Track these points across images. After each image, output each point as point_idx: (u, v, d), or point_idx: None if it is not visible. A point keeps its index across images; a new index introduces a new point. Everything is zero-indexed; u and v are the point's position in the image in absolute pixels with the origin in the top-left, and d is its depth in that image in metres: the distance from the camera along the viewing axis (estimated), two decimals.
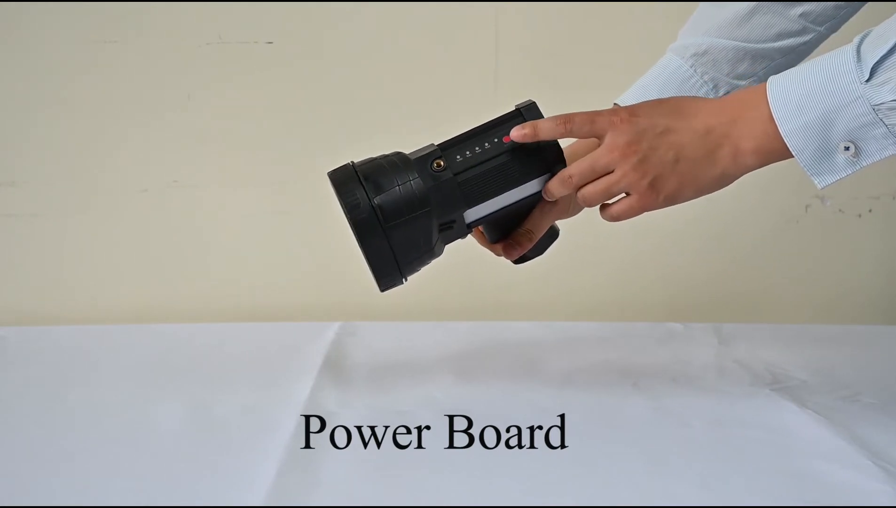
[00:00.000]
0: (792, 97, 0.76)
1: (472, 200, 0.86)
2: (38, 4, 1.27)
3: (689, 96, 0.84)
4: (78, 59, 1.29)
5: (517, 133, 0.84)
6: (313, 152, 1.32)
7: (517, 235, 0.91)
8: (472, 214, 0.87)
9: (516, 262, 0.94)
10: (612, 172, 0.82)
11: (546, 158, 0.86)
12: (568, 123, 0.83)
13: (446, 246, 0.90)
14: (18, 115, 1.30)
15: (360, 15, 1.29)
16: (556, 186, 0.85)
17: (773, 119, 0.77)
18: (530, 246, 0.91)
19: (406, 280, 0.88)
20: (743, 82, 0.93)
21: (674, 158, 0.81)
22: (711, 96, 0.93)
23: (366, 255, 0.85)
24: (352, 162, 0.87)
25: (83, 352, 1.13)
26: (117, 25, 1.28)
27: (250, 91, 1.31)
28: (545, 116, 0.86)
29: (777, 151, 0.78)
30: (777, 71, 0.92)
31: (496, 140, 0.86)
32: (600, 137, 0.83)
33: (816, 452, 0.81)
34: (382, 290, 0.88)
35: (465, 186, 0.85)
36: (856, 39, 0.75)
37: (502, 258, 0.93)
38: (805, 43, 0.93)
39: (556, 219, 0.93)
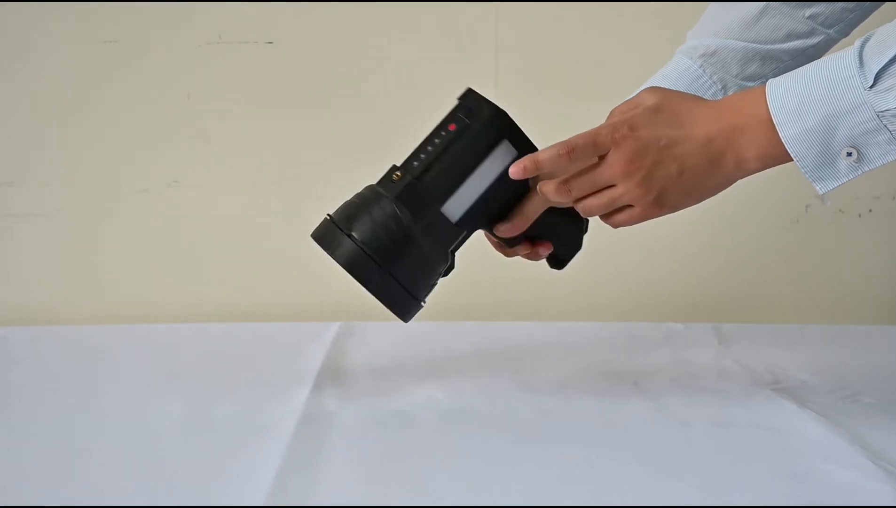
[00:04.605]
0: (792, 102, 0.75)
1: (440, 194, 0.86)
2: (38, 4, 1.27)
3: (687, 99, 0.83)
4: (78, 59, 1.29)
5: (516, 169, 0.84)
6: (313, 152, 1.33)
7: (512, 215, 0.89)
8: (451, 209, 0.86)
9: (555, 266, 0.94)
10: (615, 186, 0.82)
11: (494, 128, 0.86)
12: (571, 152, 0.81)
13: (456, 253, 0.90)
14: (18, 115, 1.30)
15: (359, 15, 1.29)
16: (553, 194, 0.84)
17: (773, 124, 0.76)
18: (524, 225, 0.88)
19: (425, 303, 0.89)
20: (752, 83, 0.93)
21: (677, 171, 0.80)
22: (720, 97, 0.93)
23: (378, 297, 0.86)
24: (328, 215, 0.87)
25: (83, 352, 1.13)
26: (117, 25, 1.28)
27: (250, 91, 1.31)
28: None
29: (779, 156, 0.77)
30: (785, 72, 0.93)
31: (443, 133, 0.86)
32: (604, 155, 0.82)
33: (816, 452, 0.81)
34: (407, 320, 0.89)
35: (427, 184, 0.85)
36: (857, 43, 0.74)
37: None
38: (814, 45, 0.93)
39: (551, 205, 0.90)
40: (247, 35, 1.30)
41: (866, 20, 0.94)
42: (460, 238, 0.89)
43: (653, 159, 0.80)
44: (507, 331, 1.22)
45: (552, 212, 0.89)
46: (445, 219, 0.86)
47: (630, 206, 0.83)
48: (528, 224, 0.89)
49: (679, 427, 0.88)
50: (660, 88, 0.86)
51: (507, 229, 0.89)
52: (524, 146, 0.87)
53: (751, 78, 0.93)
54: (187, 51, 1.29)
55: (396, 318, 0.89)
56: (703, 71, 0.93)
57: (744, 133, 0.78)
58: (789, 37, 0.92)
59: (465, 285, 1.32)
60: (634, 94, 0.95)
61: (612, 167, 0.81)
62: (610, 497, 0.73)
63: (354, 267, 0.84)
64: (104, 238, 1.33)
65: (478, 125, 0.86)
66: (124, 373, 1.04)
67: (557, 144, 0.82)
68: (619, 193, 0.82)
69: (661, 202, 0.82)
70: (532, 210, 0.88)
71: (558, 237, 0.92)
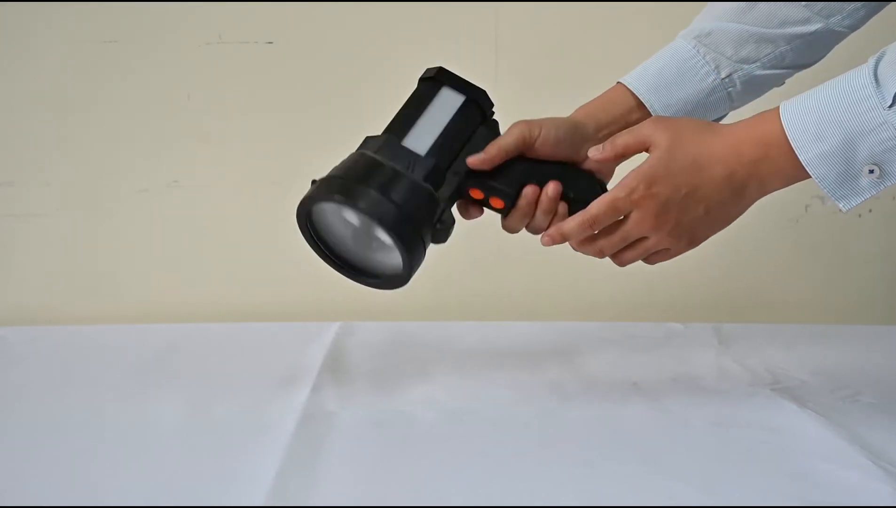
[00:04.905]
0: (810, 126, 0.76)
1: (396, 132, 0.88)
2: (38, 4, 1.27)
3: (698, 133, 0.82)
4: (78, 59, 1.29)
5: (547, 240, 0.85)
6: (313, 152, 1.32)
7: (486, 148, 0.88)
8: (414, 144, 0.87)
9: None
10: (648, 238, 0.83)
11: (429, 80, 0.92)
12: (594, 224, 0.83)
13: (451, 205, 0.88)
14: (18, 115, 1.30)
15: (359, 15, 1.29)
16: (582, 251, 0.86)
17: (791, 148, 0.76)
18: (497, 155, 0.86)
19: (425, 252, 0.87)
20: (747, 66, 0.92)
21: (704, 211, 0.81)
22: (712, 77, 0.93)
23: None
24: (315, 180, 0.89)
25: (83, 352, 1.13)
26: (117, 25, 1.28)
27: (250, 91, 1.31)
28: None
29: (801, 176, 0.78)
30: (782, 59, 0.93)
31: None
32: (626, 215, 0.83)
33: (816, 452, 0.81)
34: (413, 264, 0.85)
35: (390, 127, 0.90)
36: (871, 62, 0.74)
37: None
38: (812, 34, 0.92)
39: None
40: (247, 35, 1.30)
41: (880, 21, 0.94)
42: (442, 176, 0.86)
43: (678, 210, 0.81)
44: (507, 331, 1.22)
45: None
46: (412, 152, 0.86)
47: (665, 248, 0.85)
48: (503, 155, 0.87)
49: (679, 427, 0.88)
50: (665, 120, 0.85)
51: (479, 161, 0.86)
52: (468, 90, 0.90)
53: (745, 60, 0.93)
54: (187, 51, 1.29)
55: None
56: (697, 52, 0.93)
57: (764, 162, 0.79)
58: (785, 22, 0.92)
59: (465, 285, 1.33)
60: (628, 76, 0.95)
61: (641, 225, 0.82)
62: (610, 497, 0.73)
63: (357, 195, 0.84)
64: (104, 238, 1.33)
65: (418, 85, 0.92)
66: (124, 373, 1.04)
67: (579, 215, 0.83)
68: (652, 243, 0.84)
69: (694, 239, 0.84)
70: (506, 142, 0.87)
71: (563, 173, 0.88)
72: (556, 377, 1.02)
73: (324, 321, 1.25)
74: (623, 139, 0.84)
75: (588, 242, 0.85)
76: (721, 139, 0.81)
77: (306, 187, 1.35)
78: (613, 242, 0.84)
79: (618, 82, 0.96)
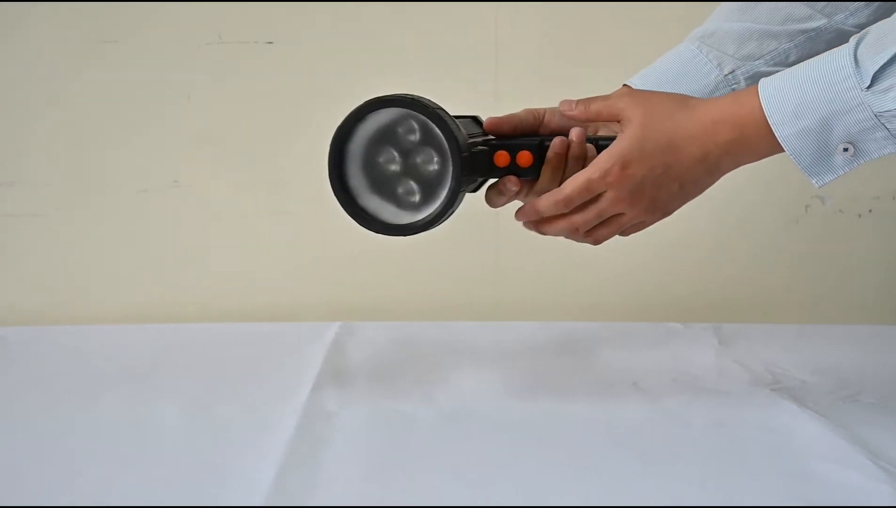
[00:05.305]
0: (788, 104, 0.76)
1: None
2: (38, 4, 1.27)
3: (673, 111, 0.82)
4: (78, 59, 1.29)
5: (520, 215, 0.86)
6: (313, 152, 1.32)
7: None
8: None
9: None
10: (623, 214, 0.84)
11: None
12: (568, 203, 0.83)
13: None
14: (18, 115, 1.30)
15: (359, 15, 1.29)
16: (559, 227, 0.85)
17: (768, 125, 0.77)
18: (512, 119, 0.89)
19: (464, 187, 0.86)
20: (750, 63, 0.93)
21: (679, 187, 0.82)
22: (715, 74, 0.93)
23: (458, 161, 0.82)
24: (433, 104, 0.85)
25: (83, 352, 1.13)
26: (117, 25, 1.28)
27: (250, 91, 1.31)
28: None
29: (775, 152, 0.79)
30: (786, 56, 0.93)
31: None
32: (600, 194, 0.83)
33: (816, 452, 0.81)
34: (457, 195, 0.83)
35: None
36: (852, 42, 0.74)
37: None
38: (814, 30, 0.92)
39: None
40: (247, 35, 1.30)
41: None
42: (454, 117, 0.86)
43: (653, 187, 0.82)
44: (507, 331, 1.22)
45: None
46: (420, 102, 0.86)
47: (640, 221, 0.85)
48: (515, 119, 0.89)
49: (679, 427, 0.88)
50: (639, 95, 0.85)
51: (496, 119, 0.89)
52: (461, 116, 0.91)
53: (748, 57, 0.93)
54: (187, 51, 1.29)
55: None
56: (700, 51, 0.93)
57: (739, 141, 0.79)
58: (787, 19, 0.92)
59: (465, 285, 1.33)
60: (634, 78, 0.96)
61: (616, 204, 0.83)
62: (610, 497, 0.73)
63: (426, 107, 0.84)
64: (104, 238, 1.33)
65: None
66: (124, 373, 1.04)
67: (553, 194, 0.84)
68: (626, 219, 0.84)
69: (668, 211, 0.85)
70: (515, 113, 0.89)
71: None
72: (557, 377, 1.02)
73: (324, 321, 1.25)
74: (597, 105, 0.85)
75: (563, 219, 0.85)
76: (695, 118, 0.81)
77: (306, 187, 1.35)
78: (588, 218, 0.84)
79: (623, 85, 0.96)
